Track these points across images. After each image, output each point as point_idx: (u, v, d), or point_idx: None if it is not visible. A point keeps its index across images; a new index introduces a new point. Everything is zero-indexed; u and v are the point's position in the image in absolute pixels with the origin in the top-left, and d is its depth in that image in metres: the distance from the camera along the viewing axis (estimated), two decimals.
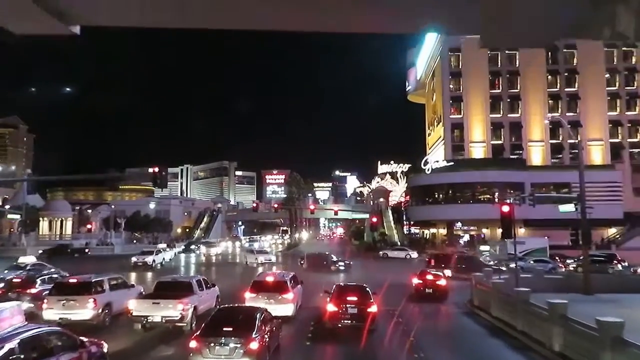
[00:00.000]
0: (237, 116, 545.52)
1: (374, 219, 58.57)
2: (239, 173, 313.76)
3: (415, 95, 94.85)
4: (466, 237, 68.39)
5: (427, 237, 79.64)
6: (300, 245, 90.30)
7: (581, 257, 30.72)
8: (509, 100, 70.81)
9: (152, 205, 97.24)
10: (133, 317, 15.70)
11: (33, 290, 18.85)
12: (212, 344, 10.99)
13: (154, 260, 43.31)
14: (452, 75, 72.82)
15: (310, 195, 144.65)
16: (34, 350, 8.44)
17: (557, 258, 40.99)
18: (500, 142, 70.73)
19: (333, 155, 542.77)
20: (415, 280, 24.95)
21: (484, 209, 56.95)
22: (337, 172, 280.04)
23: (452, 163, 66.40)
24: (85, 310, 16.16)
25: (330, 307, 15.93)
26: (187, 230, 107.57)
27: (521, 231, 53.84)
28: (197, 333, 11.69)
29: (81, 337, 10.08)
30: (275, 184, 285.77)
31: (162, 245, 59.92)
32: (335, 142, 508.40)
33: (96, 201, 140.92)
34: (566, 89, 70.28)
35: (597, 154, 68.33)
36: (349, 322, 15.65)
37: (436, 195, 68.22)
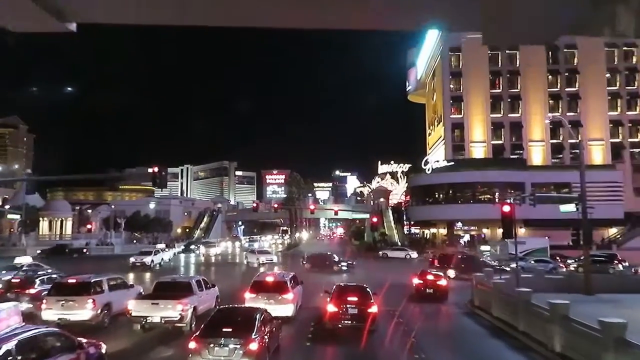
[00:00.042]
0: (237, 116, 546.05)
1: (374, 219, 58.52)
2: (239, 173, 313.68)
3: (416, 95, 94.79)
4: (466, 237, 68.33)
5: (428, 237, 79.58)
6: (301, 245, 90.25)
7: (582, 257, 30.68)
8: (509, 100, 70.76)
9: (152, 205, 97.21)
10: (132, 318, 15.63)
11: (32, 291, 18.79)
12: (212, 345, 10.92)
13: (152, 261, 42.91)
14: (453, 75, 72.76)
15: (310, 195, 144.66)
16: (32, 352, 8.37)
17: (557, 258, 40.95)
18: (500, 142, 70.67)
19: (333, 155, 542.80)
20: (416, 281, 24.88)
21: (484, 209, 56.94)
22: (337, 172, 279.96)
23: (452, 163, 66.34)
24: (84, 311, 16.08)
25: (331, 308, 15.86)
26: (187, 230, 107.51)
27: (521, 231, 53.72)
28: (197, 334, 11.63)
29: (79, 338, 10.01)
30: (275, 184, 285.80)
31: (161, 246, 59.67)
32: (335, 142, 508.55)
33: (96, 201, 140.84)
34: (567, 89, 70.24)
35: (597, 153, 68.29)
36: (349, 322, 15.58)
37: (436, 195, 68.15)
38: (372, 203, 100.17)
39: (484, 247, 49.69)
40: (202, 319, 14.60)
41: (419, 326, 17.35)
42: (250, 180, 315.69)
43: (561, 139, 68.95)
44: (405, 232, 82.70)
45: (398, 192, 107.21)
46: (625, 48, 69.89)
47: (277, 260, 49.22)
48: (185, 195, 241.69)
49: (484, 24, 4.59)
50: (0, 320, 8.67)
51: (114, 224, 79.98)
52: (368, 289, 17.14)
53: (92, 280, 17.27)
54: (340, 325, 15.67)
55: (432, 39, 77.17)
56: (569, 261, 39.91)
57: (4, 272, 26.52)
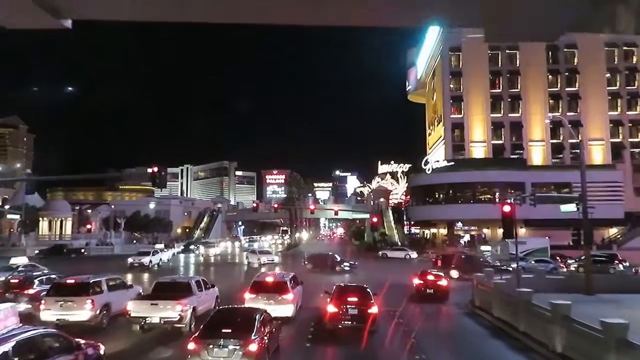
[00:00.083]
0: (237, 116, 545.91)
1: (375, 219, 58.49)
2: (239, 173, 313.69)
3: (416, 95, 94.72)
4: (467, 237, 68.26)
5: (428, 237, 79.50)
6: (301, 246, 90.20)
7: (582, 257, 30.62)
8: (509, 99, 70.70)
9: (152, 205, 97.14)
10: (131, 318, 15.55)
11: (31, 291, 18.71)
12: (211, 346, 10.84)
13: (150, 261, 42.41)
14: (453, 74, 72.69)
15: (310, 195, 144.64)
16: (29, 353, 8.29)
17: (558, 258, 40.89)
18: (500, 141, 70.60)
19: (333, 155, 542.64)
20: (416, 281, 24.81)
21: (484, 209, 56.88)
22: (337, 172, 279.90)
23: (452, 163, 66.26)
24: (82, 311, 16.00)
25: (331, 308, 15.78)
26: (187, 230, 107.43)
27: (522, 231, 53.63)
28: (196, 335, 11.55)
29: (77, 339, 9.94)
30: (276, 184, 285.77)
31: (160, 246, 59.37)
32: (335, 142, 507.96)
33: (96, 201, 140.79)
34: (567, 89, 70.18)
35: (597, 153, 68.23)
36: (350, 323, 15.51)
37: (437, 195, 68.07)
38: (372, 203, 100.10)
39: (484, 247, 49.62)
40: (202, 319, 14.52)
41: (420, 327, 17.28)
42: (250, 180, 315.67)
43: (561, 138, 68.91)
44: (406, 232, 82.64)
45: (398, 192, 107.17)
46: (625, 48, 69.85)
47: (278, 261, 48.85)
48: (185, 195, 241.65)
49: (485, 21, 4.53)
50: None
51: (114, 224, 79.93)
52: (368, 290, 17.06)
53: (91, 281, 17.18)
54: (340, 326, 15.60)
55: (432, 38, 77.10)
56: (569, 261, 39.86)
57: None
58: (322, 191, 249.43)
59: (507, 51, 70.64)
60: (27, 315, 17.01)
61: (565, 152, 68.26)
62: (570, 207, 28.00)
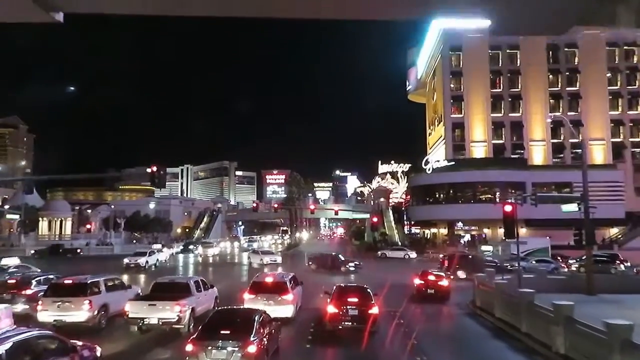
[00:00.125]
0: (237, 116, 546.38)
1: (375, 219, 58.36)
2: (239, 173, 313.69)
3: (416, 94, 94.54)
4: (467, 237, 68.07)
5: (428, 237, 79.33)
6: (301, 246, 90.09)
7: (583, 257, 30.44)
8: (510, 99, 70.54)
9: (152, 205, 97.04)
10: (129, 319, 15.39)
11: (28, 292, 18.55)
12: (209, 348, 10.69)
13: (146, 262, 41.40)
14: (453, 74, 72.49)
15: (310, 195, 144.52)
16: (23, 355, 8.13)
17: (559, 258, 40.76)
18: (501, 141, 70.43)
19: (333, 155, 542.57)
20: (417, 281, 24.65)
21: (485, 208, 56.68)
22: (337, 172, 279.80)
23: (453, 163, 66.06)
24: (80, 312, 15.82)
25: (331, 309, 15.64)
26: (187, 230, 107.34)
27: (522, 231, 53.29)
28: (194, 336, 11.39)
29: (73, 341, 9.78)
30: (276, 184, 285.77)
31: (157, 246, 58.91)
32: (335, 142, 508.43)
33: (96, 201, 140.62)
34: (567, 88, 70.00)
35: (598, 153, 68.06)
36: (350, 324, 15.36)
37: (437, 195, 67.88)
38: (372, 203, 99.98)
39: (484, 247, 49.40)
40: (201, 320, 14.36)
41: (420, 327, 17.15)
42: (250, 180, 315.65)
43: (562, 138, 68.78)
44: (406, 232, 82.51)
45: (398, 192, 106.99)
46: (626, 47, 69.72)
47: (282, 261, 47.70)
48: (185, 195, 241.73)
49: (492, 13, 4.40)
50: None
51: (114, 224, 79.85)
52: (369, 290, 16.92)
53: (89, 281, 17.00)
54: (340, 327, 15.45)
55: (432, 38, 76.93)
56: (570, 261, 39.70)
57: None
58: (322, 191, 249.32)
59: (508, 51, 70.51)
60: (25, 316, 16.89)
61: (565, 151, 68.13)
62: (572, 207, 27.80)
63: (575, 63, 70.28)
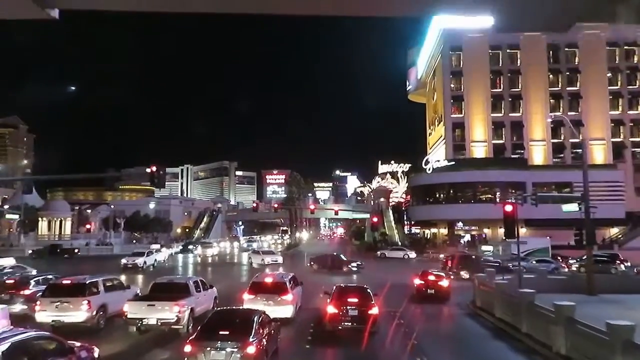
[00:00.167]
0: (238, 116, 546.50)
1: (375, 219, 58.28)
2: (239, 173, 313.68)
3: (416, 94, 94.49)
4: (467, 237, 68.00)
5: (428, 237, 79.26)
6: (301, 246, 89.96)
7: (584, 257, 30.37)
8: (510, 99, 70.48)
9: (151, 205, 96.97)
10: (128, 320, 15.31)
11: (26, 292, 18.45)
12: (208, 348, 10.60)
13: (144, 262, 40.94)
14: (453, 74, 72.42)
15: (310, 195, 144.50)
16: (20, 357, 8.04)
17: (559, 258, 40.69)
18: (501, 141, 70.37)
19: (333, 155, 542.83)
20: (417, 281, 24.58)
21: (485, 208, 56.63)
22: (337, 172, 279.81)
23: (453, 163, 65.98)
24: (79, 313, 15.73)
25: (330, 309, 15.56)
26: (187, 230, 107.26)
27: (523, 231, 53.21)
28: (193, 337, 11.29)
29: (71, 342, 9.70)
30: (276, 184, 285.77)
31: (155, 246, 58.61)
32: (335, 142, 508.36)
33: (96, 201, 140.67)
34: (568, 88, 69.94)
35: (599, 153, 68.00)
36: (350, 324, 15.29)
37: (437, 195, 67.80)
38: (372, 203, 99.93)
39: (485, 247, 49.31)
40: (200, 320, 14.29)
41: (421, 328, 17.08)
42: (250, 180, 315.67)
43: (562, 138, 68.72)
44: (406, 232, 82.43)
45: (398, 192, 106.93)
46: (626, 47, 69.65)
47: (282, 261, 47.34)
48: (185, 195, 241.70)
49: (495, 10, 4.33)
50: None
51: (114, 224, 79.78)
52: (368, 290, 16.84)
53: (88, 282, 16.90)
54: (340, 327, 15.38)
55: (432, 38, 76.86)
56: (570, 261, 39.63)
57: None
58: (322, 191, 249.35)
59: (508, 50, 70.47)
60: (23, 316, 16.81)
61: (566, 151, 68.06)
62: (572, 207, 27.73)
63: (576, 63, 70.21)
